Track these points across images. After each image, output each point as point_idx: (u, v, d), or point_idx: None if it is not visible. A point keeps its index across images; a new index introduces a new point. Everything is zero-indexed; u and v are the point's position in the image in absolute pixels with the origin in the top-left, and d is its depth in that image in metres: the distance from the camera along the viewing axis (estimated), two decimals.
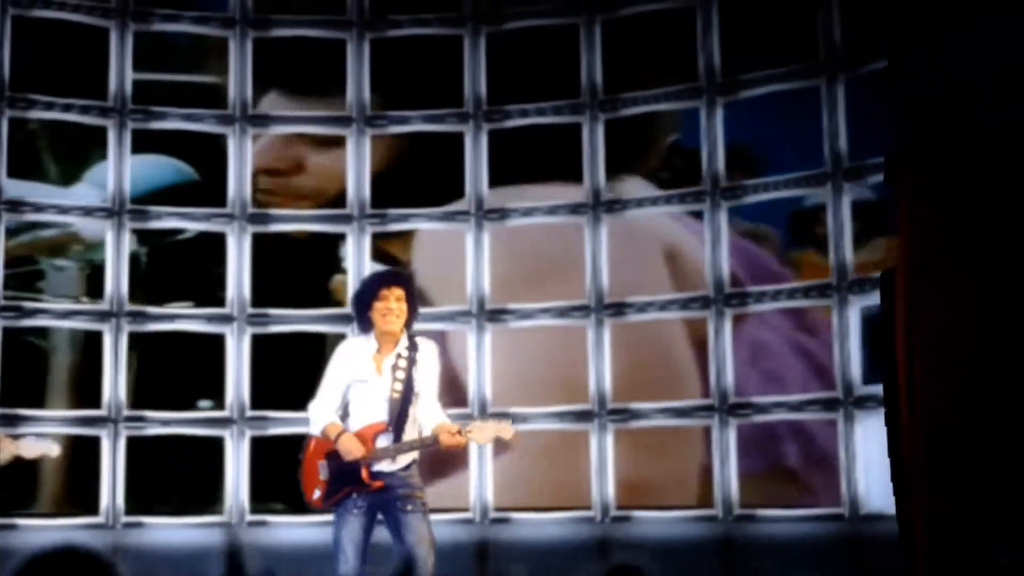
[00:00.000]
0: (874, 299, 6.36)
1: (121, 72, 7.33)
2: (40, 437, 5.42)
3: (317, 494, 4.68)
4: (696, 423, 6.89)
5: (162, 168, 7.43)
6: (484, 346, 7.15)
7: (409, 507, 4.65)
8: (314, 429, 4.71)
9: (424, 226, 7.38)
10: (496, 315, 7.19)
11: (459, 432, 4.59)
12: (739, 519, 6.74)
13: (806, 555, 6.26)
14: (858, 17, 6.61)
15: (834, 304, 6.64)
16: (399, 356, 4.72)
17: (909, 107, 5.98)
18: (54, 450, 5.18)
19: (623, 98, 7.30)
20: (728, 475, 6.74)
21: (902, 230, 6.08)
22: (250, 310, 7.25)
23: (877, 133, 6.36)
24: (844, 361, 6.55)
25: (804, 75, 6.89)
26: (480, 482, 7.03)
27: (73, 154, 7.34)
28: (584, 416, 7.01)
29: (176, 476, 7.24)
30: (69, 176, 7.31)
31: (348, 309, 7.22)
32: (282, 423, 7.10)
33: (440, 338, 6.31)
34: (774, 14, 7.00)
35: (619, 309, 7.11)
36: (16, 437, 5.15)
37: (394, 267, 6.73)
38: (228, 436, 7.13)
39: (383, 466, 4.67)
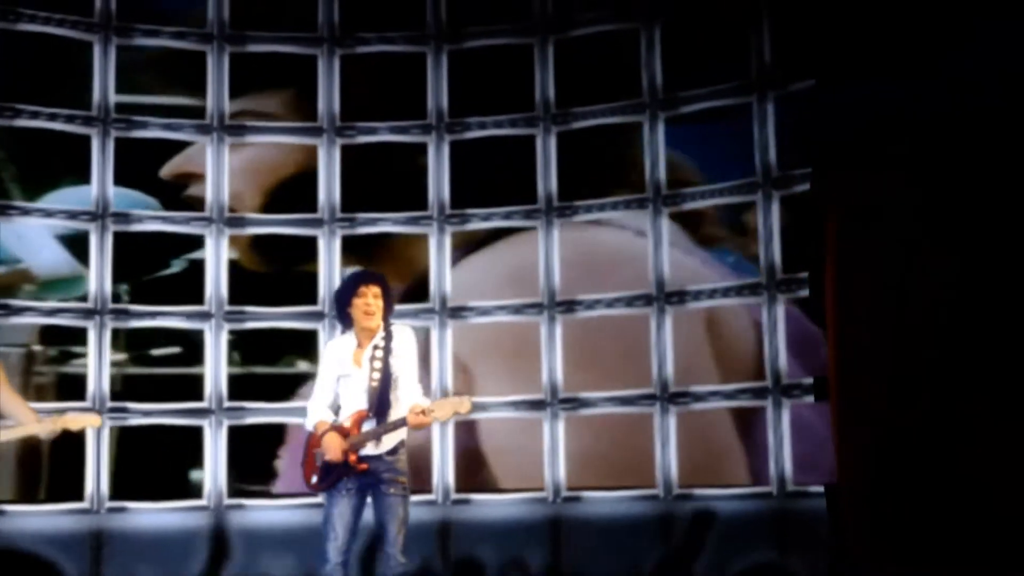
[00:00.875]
0: (801, 296, 6.93)
1: (104, 84, 7.50)
2: (83, 411, 5.88)
3: (315, 479, 4.96)
4: (640, 410, 7.24)
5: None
6: (446, 340, 7.50)
7: (392, 490, 4.87)
8: (308, 425, 5.03)
9: (390, 228, 7.68)
10: (457, 312, 7.56)
11: (423, 412, 4.77)
12: (678, 498, 7.10)
13: (740, 528, 6.70)
14: (787, 41, 7.01)
15: (764, 301, 7.03)
16: (375, 347, 4.93)
17: (833, 124, 6.53)
18: (96, 421, 5.62)
19: (574, 112, 7.62)
20: (669, 457, 7.13)
21: (828, 233, 6.60)
22: (227, 307, 7.50)
23: (803, 146, 6.78)
24: (773, 353, 6.93)
25: (737, 92, 7.22)
26: (442, 464, 7.37)
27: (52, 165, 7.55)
28: (538, 405, 7.39)
29: (158, 463, 7.35)
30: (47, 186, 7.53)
31: (318, 307, 7.60)
32: (258, 413, 7.40)
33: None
34: (711, 37, 7.36)
35: (570, 307, 7.50)
36: (61, 412, 5.53)
37: (369, 268, 6.86)
38: (207, 425, 7.37)
39: (369, 450, 4.90)
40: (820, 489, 6.50)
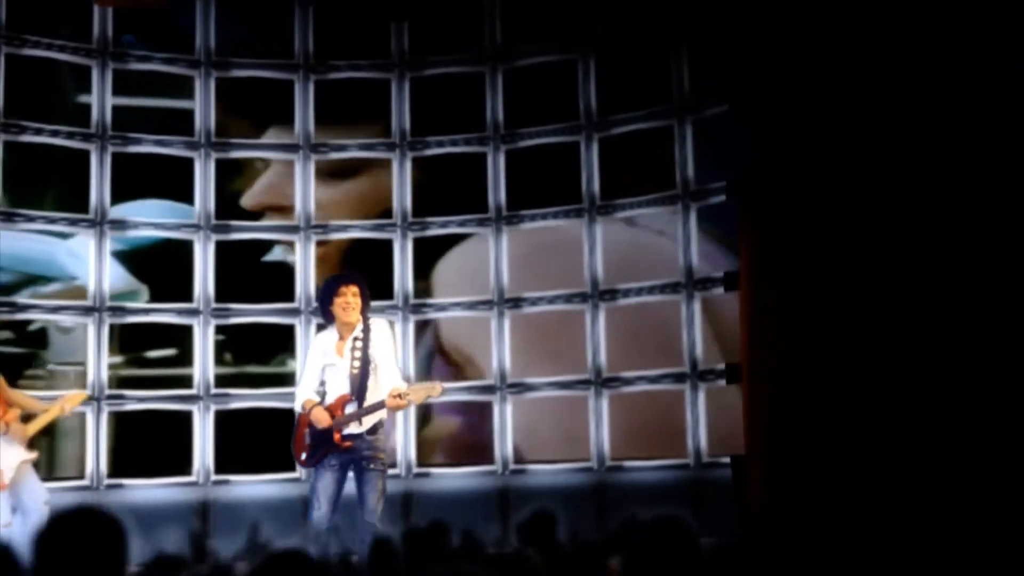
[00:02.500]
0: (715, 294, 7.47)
1: (102, 103, 7.79)
2: (76, 390, 6.49)
3: (304, 456, 5.39)
4: (577, 394, 7.84)
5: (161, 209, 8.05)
6: (408, 334, 8.04)
7: (371, 466, 5.22)
8: (296, 407, 5.47)
9: (359, 234, 8.14)
10: (418, 308, 8.09)
11: (399, 395, 5.14)
12: (610, 469, 7.70)
13: (661, 495, 7.20)
14: (703, 71, 7.50)
15: (683, 298, 7.62)
16: (355, 339, 5.33)
17: (745, 145, 6.87)
18: (84, 395, 6.29)
19: (520, 132, 8.13)
20: (602, 434, 7.76)
21: (741, 238, 7.10)
22: (214, 304, 7.92)
23: (718, 163, 7.35)
24: (691, 343, 7.51)
25: (660, 116, 7.76)
26: (405, 440, 7.88)
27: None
28: (488, 389, 7.96)
29: (152, 444, 7.71)
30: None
31: (295, 304, 7.96)
32: (241, 399, 7.83)
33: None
34: (637, 67, 7.85)
35: (516, 303, 8.05)
36: (54, 398, 6.08)
37: (348, 269, 7.10)
38: (196, 410, 7.80)
39: (352, 429, 5.26)
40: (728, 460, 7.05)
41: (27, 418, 5.85)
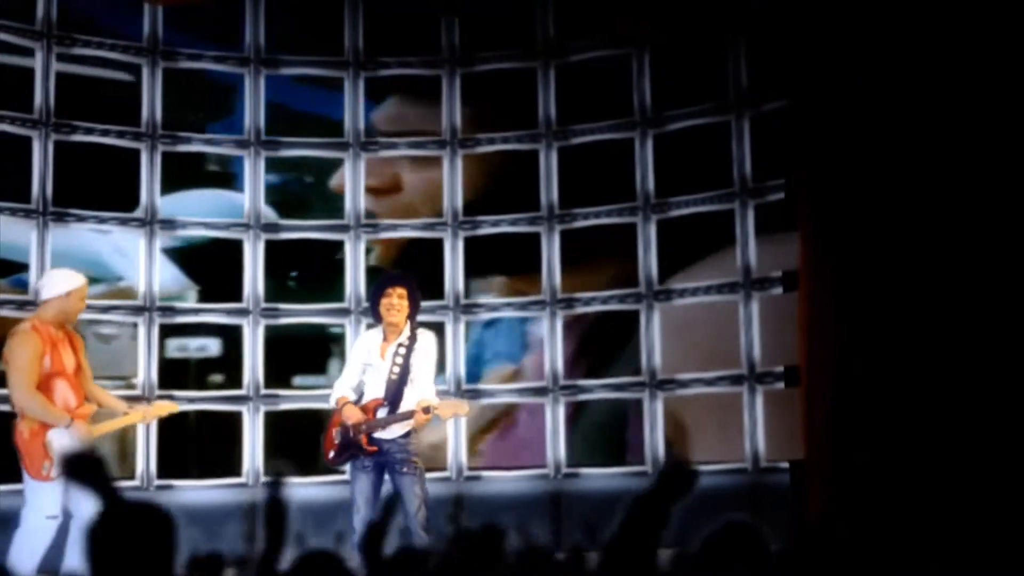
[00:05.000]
0: (774, 294, 7.35)
1: (152, 103, 7.85)
2: (166, 399, 6.28)
3: (331, 455, 5.40)
4: (631, 396, 7.76)
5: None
6: (459, 334, 8.00)
7: (405, 469, 5.23)
8: (331, 401, 5.45)
9: (409, 234, 8.13)
10: (469, 308, 8.04)
11: (426, 410, 5.14)
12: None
13: (720, 500, 7.11)
14: (760, 66, 7.41)
15: (741, 299, 7.53)
16: (400, 345, 5.33)
17: (804, 141, 6.80)
18: (175, 407, 6.00)
19: (573, 129, 8.06)
20: (656, 438, 7.65)
21: (801, 237, 7.06)
22: (263, 304, 7.94)
23: (776, 159, 7.25)
24: (748, 344, 7.42)
25: (717, 112, 7.65)
26: (456, 443, 7.89)
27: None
28: (540, 391, 7.91)
29: (201, 445, 7.78)
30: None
31: (345, 304, 7.98)
32: (290, 400, 7.83)
33: None
34: (693, 62, 7.78)
35: (569, 303, 8.02)
36: (150, 401, 6.06)
37: (399, 271, 7.02)
38: (245, 411, 7.81)
39: (381, 434, 5.28)
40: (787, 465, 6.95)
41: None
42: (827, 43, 6.62)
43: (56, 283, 5.54)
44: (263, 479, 7.73)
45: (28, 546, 5.13)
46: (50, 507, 5.18)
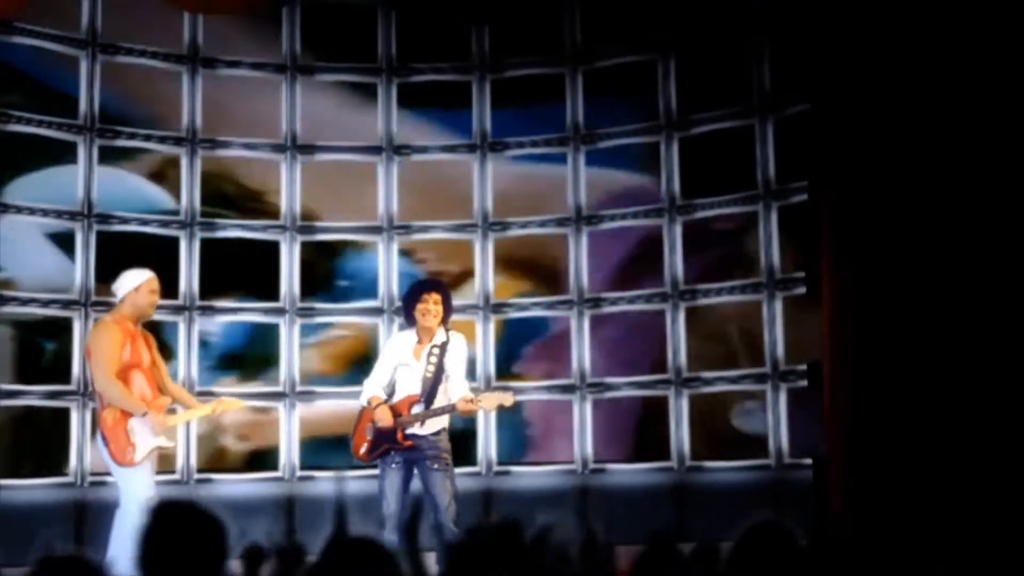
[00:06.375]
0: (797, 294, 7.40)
1: (192, 108, 7.99)
2: (234, 396, 6.43)
3: (363, 450, 5.52)
4: (657, 393, 7.89)
5: None
6: (489, 334, 8.19)
7: (436, 466, 5.37)
8: (362, 400, 5.60)
9: (440, 235, 8.27)
10: (498, 308, 8.16)
11: (471, 401, 5.34)
12: (690, 470, 7.74)
13: (745, 496, 7.23)
14: (784, 70, 7.49)
15: (764, 298, 7.62)
16: (434, 346, 5.49)
17: (827, 144, 6.83)
18: (240, 404, 6.21)
19: (599, 133, 8.16)
20: (681, 434, 7.81)
21: (823, 238, 7.12)
22: (299, 304, 8.06)
23: (799, 162, 7.30)
24: (772, 343, 7.52)
25: (741, 116, 7.75)
26: (486, 438, 7.99)
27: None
28: (568, 389, 8.04)
29: (238, 440, 7.88)
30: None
31: (376, 303, 8.15)
32: (325, 396, 7.99)
33: None
34: (718, 67, 7.86)
35: (596, 303, 8.13)
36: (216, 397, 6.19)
37: (433, 277, 7.21)
38: (282, 407, 7.95)
39: (415, 430, 5.43)
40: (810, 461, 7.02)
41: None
42: (849, 48, 6.68)
43: (127, 280, 5.80)
44: (299, 473, 7.87)
45: (132, 530, 5.32)
46: (145, 489, 5.41)
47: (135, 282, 5.79)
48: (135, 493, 5.39)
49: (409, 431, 5.41)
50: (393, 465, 5.42)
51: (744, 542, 2.71)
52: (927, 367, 6.29)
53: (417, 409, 5.44)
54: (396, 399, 5.53)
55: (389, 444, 5.43)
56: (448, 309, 5.56)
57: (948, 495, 6.08)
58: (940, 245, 6.35)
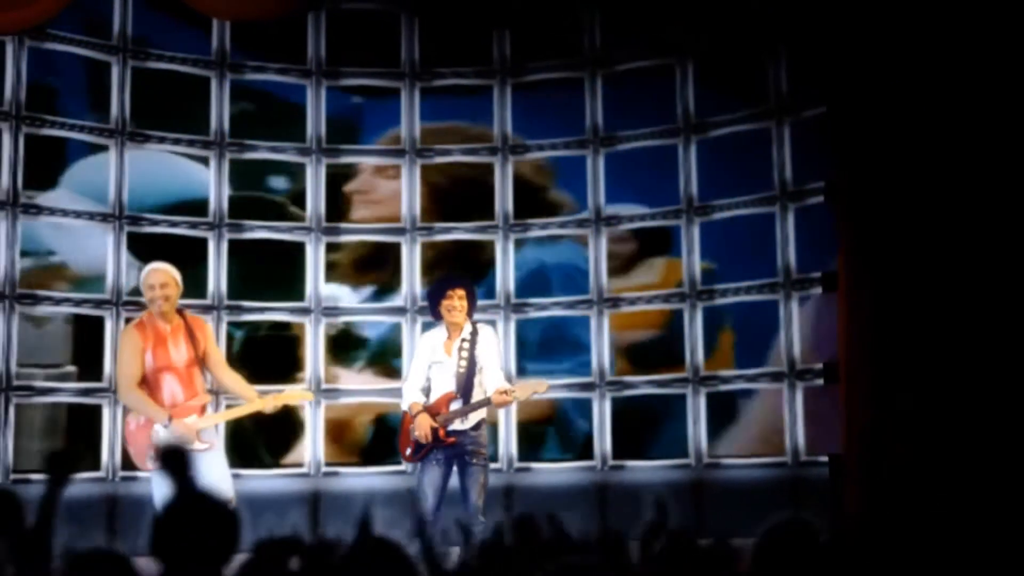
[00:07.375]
0: (812, 294, 7.47)
1: (220, 113, 8.10)
2: (295, 389, 6.35)
3: (409, 452, 5.63)
4: (674, 392, 7.97)
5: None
6: (511, 333, 8.32)
7: (474, 460, 5.46)
8: (403, 405, 5.68)
9: (461, 236, 8.36)
10: (520, 308, 8.29)
11: (506, 392, 5.44)
12: (708, 466, 7.81)
13: (761, 493, 7.27)
14: (800, 72, 7.53)
15: (781, 298, 7.69)
16: (463, 340, 5.58)
17: (844, 146, 6.87)
18: (310, 396, 6.15)
19: (619, 136, 8.25)
20: (700, 432, 7.85)
21: (840, 239, 7.11)
22: (324, 304, 8.14)
23: (816, 163, 7.36)
24: (788, 342, 7.59)
25: (758, 118, 7.81)
26: (507, 434, 8.08)
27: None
28: (587, 387, 8.14)
29: (266, 436, 7.92)
30: None
31: (401, 303, 8.24)
32: (350, 394, 8.11)
33: None
34: (735, 69, 7.93)
35: (615, 302, 8.23)
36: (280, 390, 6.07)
37: (457, 272, 7.13)
38: (307, 404, 7.81)
39: (456, 425, 5.50)
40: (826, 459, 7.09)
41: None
42: (864, 50, 6.73)
43: (141, 278, 5.86)
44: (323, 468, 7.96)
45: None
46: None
47: (141, 280, 5.81)
48: (158, 497, 5.40)
49: (450, 427, 5.50)
50: (434, 462, 5.50)
51: (767, 539, 2.75)
52: (943, 366, 6.33)
53: (456, 405, 5.52)
54: (433, 398, 5.62)
55: (433, 443, 5.54)
56: (473, 304, 5.62)
57: (966, 493, 6.09)
58: (956, 245, 6.39)
